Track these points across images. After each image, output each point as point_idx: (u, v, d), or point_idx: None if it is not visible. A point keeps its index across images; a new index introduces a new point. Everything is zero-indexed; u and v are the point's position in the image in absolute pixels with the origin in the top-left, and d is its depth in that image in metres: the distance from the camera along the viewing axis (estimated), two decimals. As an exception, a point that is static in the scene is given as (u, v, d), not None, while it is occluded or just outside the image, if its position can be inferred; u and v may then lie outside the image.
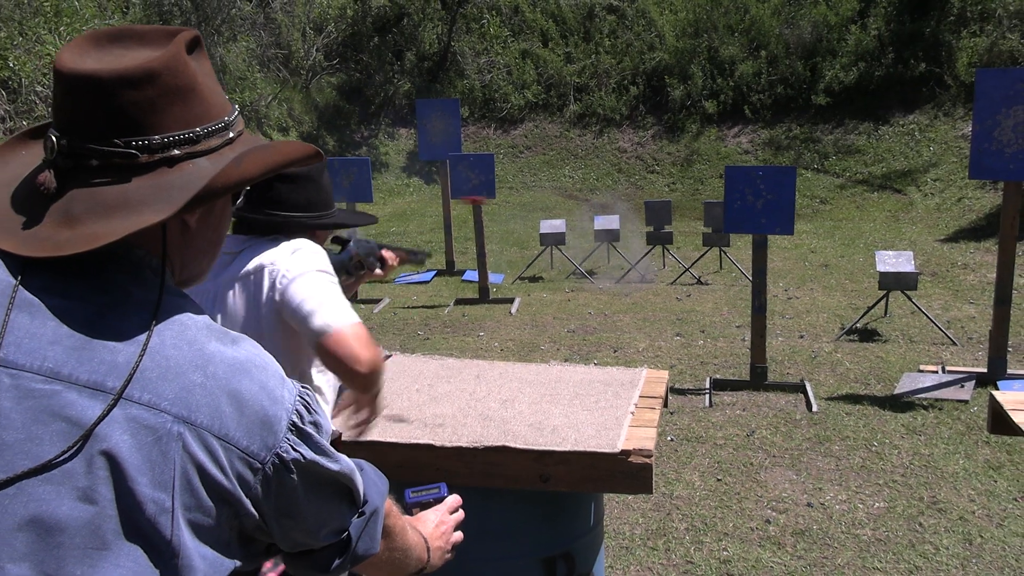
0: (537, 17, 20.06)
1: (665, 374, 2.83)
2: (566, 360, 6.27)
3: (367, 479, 1.13)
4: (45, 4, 11.44)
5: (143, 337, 0.89)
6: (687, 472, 4.45)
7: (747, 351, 5.97)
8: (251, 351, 0.98)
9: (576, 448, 2.19)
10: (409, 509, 1.50)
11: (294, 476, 0.97)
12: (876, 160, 14.82)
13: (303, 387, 1.03)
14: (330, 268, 2.05)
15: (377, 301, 8.57)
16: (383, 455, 2.22)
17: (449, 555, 1.45)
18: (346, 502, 1.08)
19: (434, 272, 10.02)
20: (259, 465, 0.93)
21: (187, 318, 0.94)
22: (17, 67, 10.01)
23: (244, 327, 1.99)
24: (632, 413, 2.41)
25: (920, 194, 13.54)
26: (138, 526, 0.85)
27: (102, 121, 0.93)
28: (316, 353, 1.93)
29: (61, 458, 0.83)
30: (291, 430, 0.97)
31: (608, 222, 9.99)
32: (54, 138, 0.93)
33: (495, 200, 9.41)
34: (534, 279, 9.89)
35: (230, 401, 0.92)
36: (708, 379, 5.84)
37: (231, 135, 1.02)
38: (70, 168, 0.93)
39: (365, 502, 1.11)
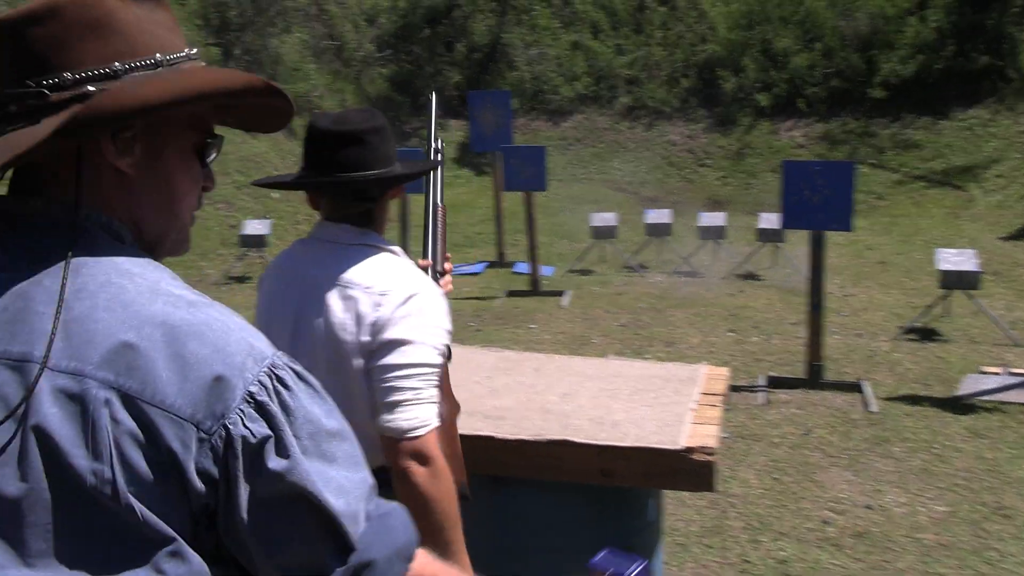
0: (588, 8, 19.94)
1: (725, 371, 2.79)
2: (618, 354, 6.24)
3: (381, 526, 0.91)
4: None
5: (63, 296, 0.83)
6: (742, 470, 4.39)
7: (803, 348, 5.88)
8: (210, 315, 0.87)
9: (638, 444, 2.17)
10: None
11: (239, 459, 0.83)
12: (935, 155, 14.46)
13: (289, 364, 0.89)
14: (443, 332, 1.78)
15: (427, 292, 8.61)
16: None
17: None
18: (321, 534, 0.87)
19: (485, 264, 10.03)
20: (204, 435, 0.82)
21: (130, 279, 0.87)
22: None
23: (331, 335, 1.75)
24: (693, 410, 2.38)
25: (981, 190, 13.19)
26: (85, 499, 0.80)
27: (12, 63, 0.89)
28: (384, 444, 1.69)
29: None
30: (248, 401, 0.84)
31: (659, 216, 9.91)
32: None
33: (545, 192, 9.37)
34: (585, 272, 9.85)
35: (170, 364, 0.82)
36: (763, 376, 5.75)
37: (168, 71, 0.93)
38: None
39: (352, 549, 0.88)
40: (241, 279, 9.54)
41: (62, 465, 0.80)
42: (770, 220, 9.25)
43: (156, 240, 0.98)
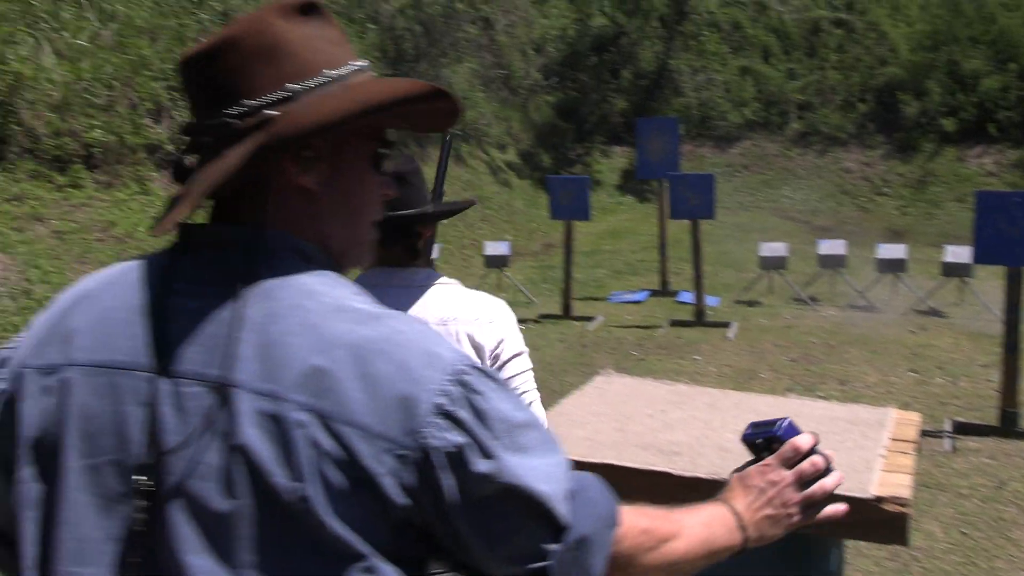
0: (758, 32, 19.50)
1: (917, 417, 2.61)
2: (788, 391, 6.00)
3: (583, 500, 0.94)
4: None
5: (241, 322, 0.87)
6: (926, 521, 4.10)
7: (995, 393, 5.44)
8: (392, 327, 0.89)
9: (824, 490, 2.06)
10: (748, 447, 1.24)
11: (443, 471, 0.85)
12: None
13: (472, 367, 0.89)
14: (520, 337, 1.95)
15: (591, 319, 8.60)
16: (616, 479, 2.18)
17: (796, 517, 1.17)
18: (532, 520, 0.90)
19: (648, 292, 9.93)
20: (402, 451, 0.84)
21: (314, 300, 0.90)
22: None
23: None
24: (883, 456, 2.24)
25: None
26: (287, 516, 0.84)
27: (204, 97, 0.94)
28: None
29: (201, 449, 0.85)
30: (438, 413, 0.85)
31: (834, 247, 9.49)
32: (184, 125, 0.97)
33: (711, 220, 9.18)
34: (752, 303, 9.56)
35: (359, 384, 0.85)
36: (949, 421, 5.37)
37: (339, 87, 0.95)
38: (196, 149, 0.95)
39: (567, 528, 0.91)
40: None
41: (264, 483, 0.84)
42: (957, 253, 8.67)
43: (341, 253, 1.01)
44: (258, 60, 0.93)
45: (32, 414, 0.92)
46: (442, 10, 14.29)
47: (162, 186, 8.80)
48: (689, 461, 2.22)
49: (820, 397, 5.55)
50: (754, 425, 1.26)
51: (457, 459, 0.85)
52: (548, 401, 6.47)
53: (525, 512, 0.89)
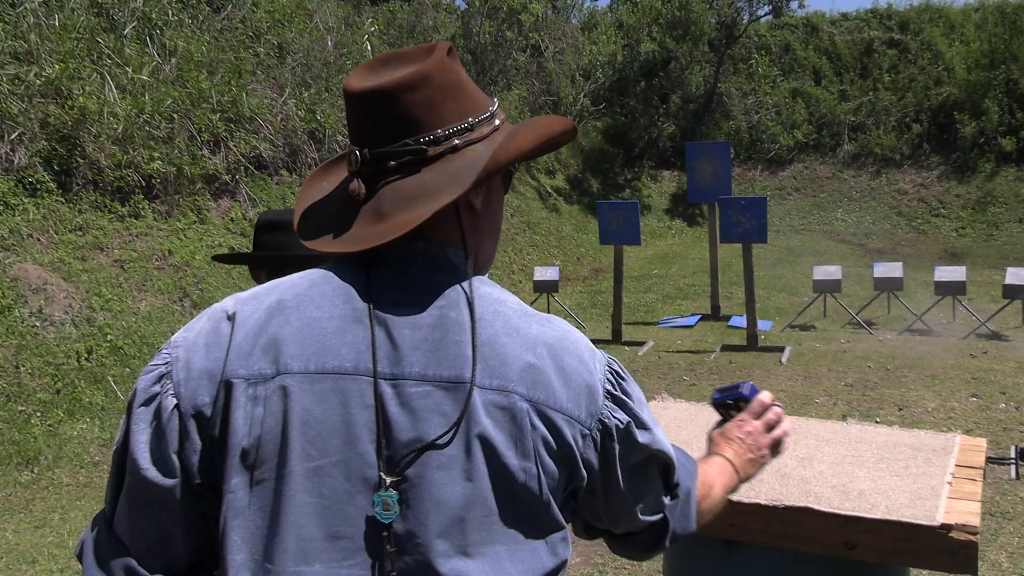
0: (809, 55, 19.36)
1: (983, 442, 2.55)
2: (844, 416, 5.88)
3: (679, 463, 1.16)
4: (347, 62, 12.69)
5: (475, 329, 0.99)
6: (992, 551, 3.98)
7: (1063, 419, 5.28)
8: (563, 328, 1.06)
9: (888, 517, 2.02)
10: (717, 409, 1.54)
11: (615, 444, 1.03)
12: None
13: (610, 358, 1.09)
14: None
15: (641, 343, 8.54)
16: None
17: (767, 457, 1.48)
18: (660, 479, 1.12)
19: (698, 316, 9.84)
20: (587, 431, 1.01)
21: (504, 306, 1.04)
22: (323, 119, 11.16)
23: None
24: (950, 483, 2.19)
25: None
26: (514, 493, 0.97)
27: (392, 125, 1.03)
28: None
29: (443, 441, 0.95)
30: (607, 397, 1.04)
31: (889, 269, 9.32)
32: (356, 152, 1.04)
33: (762, 244, 9.09)
34: (805, 327, 9.41)
35: (558, 377, 1.00)
36: (1014, 448, 5.21)
37: (497, 122, 1.09)
38: (372, 173, 1.04)
39: (678, 484, 1.16)
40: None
41: (499, 465, 0.96)
42: (1018, 275, 8.46)
43: (485, 263, 1.14)
44: (447, 94, 1.05)
45: (241, 423, 0.96)
46: (492, 39, 14.44)
47: (218, 215, 9.00)
48: (748, 487, 2.20)
49: (878, 423, 5.43)
50: (720, 391, 1.52)
51: (625, 433, 1.04)
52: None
53: (660, 472, 1.12)
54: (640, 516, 1.12)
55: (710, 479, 1.30)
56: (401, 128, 1.03)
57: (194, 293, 7.71)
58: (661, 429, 1.11)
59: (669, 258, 14.58)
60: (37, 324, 6.37)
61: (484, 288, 1.05)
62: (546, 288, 9.81)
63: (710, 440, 1.48)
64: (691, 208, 17.13)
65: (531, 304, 10.02)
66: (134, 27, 9.64)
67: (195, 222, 8.65)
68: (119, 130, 8.31)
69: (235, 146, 9.63)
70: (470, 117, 1.06)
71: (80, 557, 1.02)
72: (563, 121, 1.13)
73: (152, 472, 0.97)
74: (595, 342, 6.90)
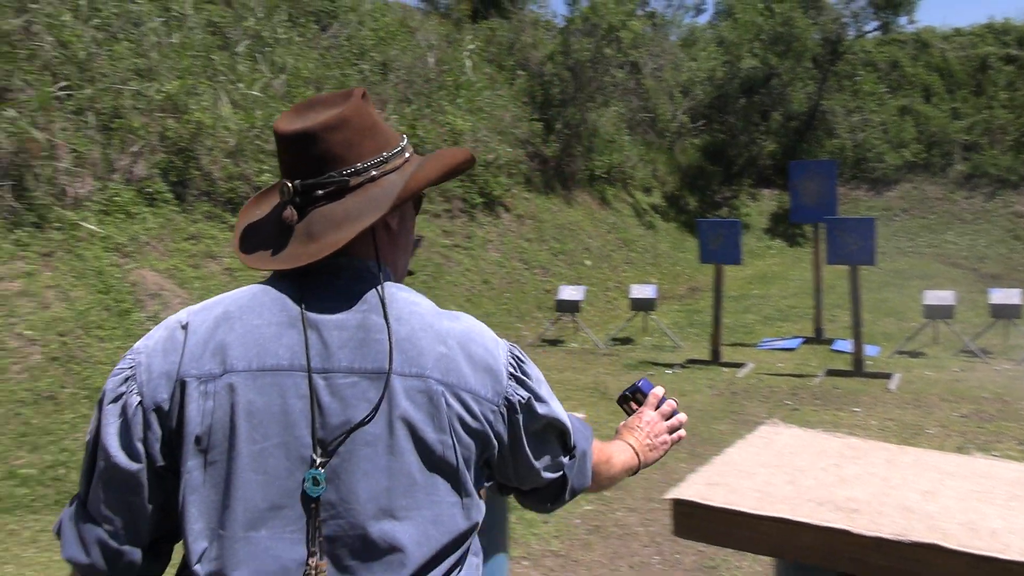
0: (919, 71, 18.71)
1: (1125, 482, 2.38)
2: (959, 449, 5.61)
3: (575, 429, 1.37)
4: (447, 80, 12.90)
5: (390, 328, 1.17)
6: None
7: None
8: (470, 322, 1.26)
9: (1025, 559, 1.90)
10: (620, 406, 1.80)
11: (519, 415, 1.23)
12: None
13: (511, 344, 1.29)
14: None
15: (740, 365, 8.36)
16: (793, 534, 2.10)
17: (667, 443, 1.72)
18: (559, 443, 1.33)
19: (801, 339, 9.56)
20: (495, 407, 1.21)
21: (419, 307, 1.22)
22: (424, 135, 11.35)
23: None
24: (1091, 525, 2.05)
25: None
26: (433, 464, 1.15)
27: (318, 160, 1.21)
28: None
29: (367, 421, 1.12)
30: (510, 378, 1.23)
31: (1007, 296, 8.87)
32: (288, 184, 1.21)
33: (869, 266, 8.78)
34: (915, 354, 9.04)
35: (467, 363, 1.19)
36: None
37: (407, 155, 1.29)
38: (302, 202, 1.21)
39: (575, 446, 1.37)
40: (554, 342, 9.89)
41: (419, 440, 1.14)
42: None
43: (401, 272, 1.34)
44: (363, 134, 1.23)
45: (195, 415, 1.12)
46: (590, 55, 14.44)
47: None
48: (870, 520, 2.10)
49: (997, 456, 5.15)
50: (622, 392, 1.81)
51: (527, 406, 1.24)
52: (699, 448, 6.31)
53: (556, 436, 1.32)
54: (543, 474, 1.32)
55: (609, 454, 1.54)
56: (326, 163, 1.21)
57: (297, 303, 7.92)
58: (558, 402, 1.31)
59: (769, 278, 14.25)
60: (152, 327, 6.65)
61: (401, 293, 1.23)
62: (643, 306, 9.70)
63: (616, 432, 1.69)
64: (792, 228, 16.74)
65: (626, 323, 9.92)
66: (247, 45, 10.02)
67: (300, 233, 8.87)
68: (231, 143, 8.63)
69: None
70: (384, 152, 1.24)
71: (58, 533, 1.18)
72: (463, 152, 1.33)
73: (121, 458, 1.13)
74: (693, 362, 6.78)
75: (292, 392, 1.13)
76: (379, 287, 1.21)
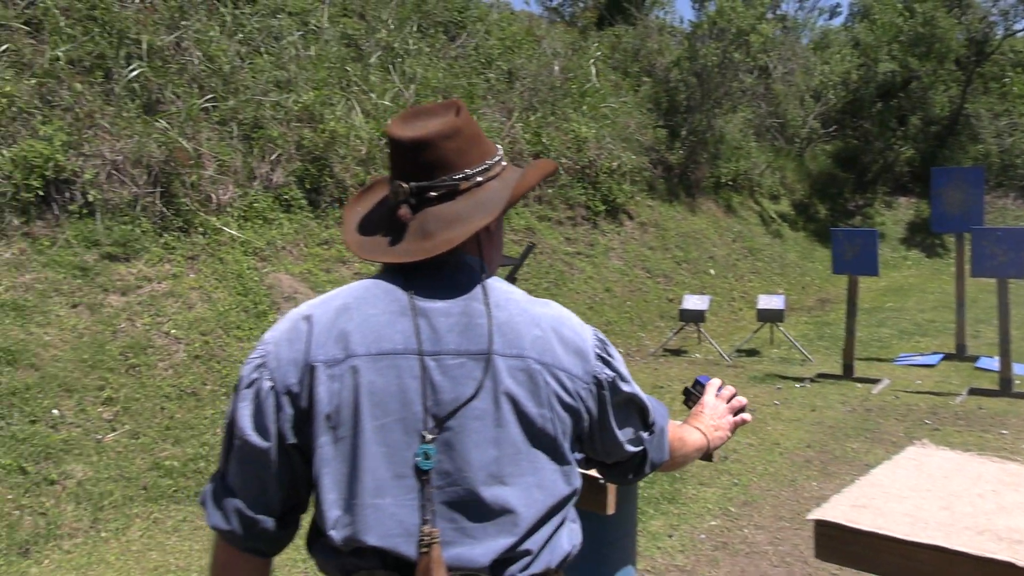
0: (1077, 72, 17.49)
1: None
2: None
3: (653, 408, 1.51)
4: (572, 87, 12.90)
5: (490, 314, 1.31)
6: None
7: None
8: (558, 309, 1.40)
9: None
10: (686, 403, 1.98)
11: (606, 392, 1.38)
12: None
13: (595, 329, 1.43)
14: None
15: (875, 381, 7.99)
16: (949, 564, 1.98)
17: (729, 433, 1.85)
18: (640, 419, 1.48)
19: (941, 355, 9.07)
20: (585, 384, 1.35)
21: (514, 295, 1.37)
22: (548, 142, 11.39)
23: None
24: None
25: None
26: (535, 434, 1.29)
27: (432, 165, 1.34)
28: None
29: (475, 397, 1.26)
30: (597, 358, 1.38)
31: None
32: (404, 185, 1.34)
33: (1019, 280, 8.24)
34: (1070, 374, 8.42)
35: (559, 344, 1.34)
36: None
37: (503, 164, 1.44)
38: (416, 202, 1.34)
39: (653, 423, 1.51)
40: (676, 352, 9.72)
41: (522, 413, 1.28)
42: None
43: (493, 269, 1.46)
44: (471, 143, 1.37)
45: (324, 396, 1.25)
46: (718, 60, 14.15)
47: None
48: (1009, 547, 1.96)
49: None
50: (684, 388, 2.02)
51: (612, 384, 1.39)
52: (831, 467, 6.06)
53: (637, 412, 1.47)
54: (626, 447, 1.46)
55: (682, 434, 1.68)
56: (438, 168, 1.34)
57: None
58: (635, 383, 1.45)
59: (905, 291, 13.60)
60: (286, 330, 6.91)
61: (497, 284, 1.38)
62: (770, 317, 9.41)
63: (685, 421, 1.82)
64: (931, 238, 15.94)
65: (754, 333, 9.64)
66: (379, 56, 10.31)
67: (426, 240, 9.05)
68: (363, 152, 8.89)
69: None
70: (487, 160, 1.39)
71: (203, 504, 1.32)
72: (553, 163, 1.52)
73: (253, 436, 1.27)
74: (823, 376, 6.52)
75: (407, 373, 1.26)
76: (479, 278, 1.35)
